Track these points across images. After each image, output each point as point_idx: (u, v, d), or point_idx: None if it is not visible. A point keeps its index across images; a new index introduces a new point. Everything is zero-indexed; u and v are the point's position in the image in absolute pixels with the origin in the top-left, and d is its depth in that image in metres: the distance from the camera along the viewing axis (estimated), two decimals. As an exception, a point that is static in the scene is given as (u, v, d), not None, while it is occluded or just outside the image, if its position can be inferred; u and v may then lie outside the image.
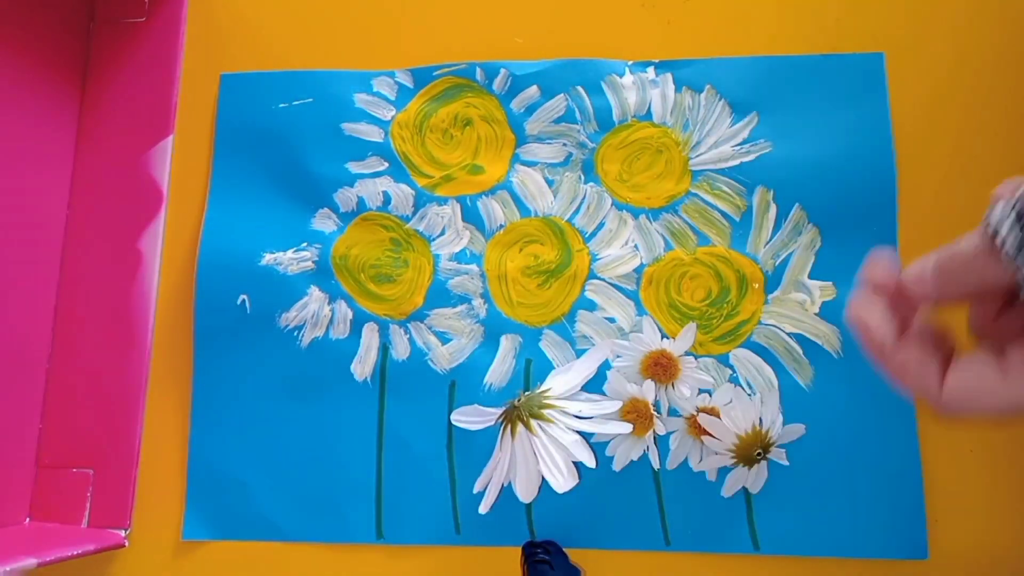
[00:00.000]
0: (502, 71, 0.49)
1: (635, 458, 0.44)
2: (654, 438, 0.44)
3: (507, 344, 0.46)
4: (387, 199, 0.48)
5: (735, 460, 0.43)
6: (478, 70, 0.49)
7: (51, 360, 0.48)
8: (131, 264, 0.49)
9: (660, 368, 0.44)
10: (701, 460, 0.44)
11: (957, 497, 0.43)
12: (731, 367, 0.45)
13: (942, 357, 0.31)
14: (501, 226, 0.48)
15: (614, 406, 0.42)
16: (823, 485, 0.43)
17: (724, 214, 0.47)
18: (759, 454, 0.43)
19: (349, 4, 0.51)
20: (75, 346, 0.48)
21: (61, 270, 0.49)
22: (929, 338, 0.31)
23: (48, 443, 0.47)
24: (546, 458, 0.39)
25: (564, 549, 0.43)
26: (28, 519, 0.47)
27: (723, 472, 0.44)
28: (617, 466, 0.44)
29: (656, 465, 0.44)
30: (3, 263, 0.46)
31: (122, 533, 0.46)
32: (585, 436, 0.40)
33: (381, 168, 0.48)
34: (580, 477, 0.39)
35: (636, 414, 0.44)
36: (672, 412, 0.44)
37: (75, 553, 0.42)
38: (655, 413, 0.44)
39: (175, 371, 0.48)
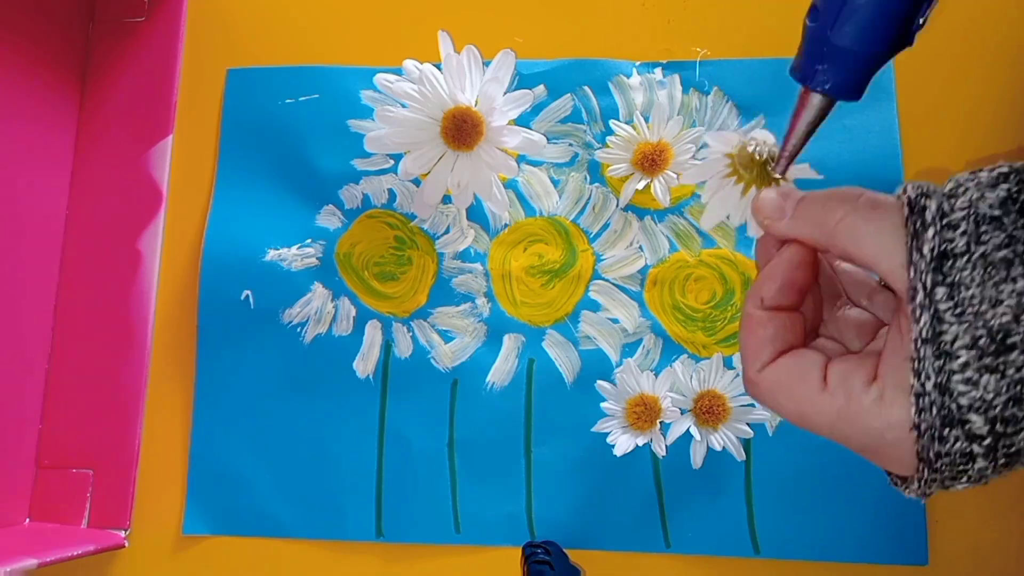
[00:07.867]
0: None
1: (639, 443, 0.44)
2: (660, 429, 0.44)
3: (510, 343, 0.46)
4: (392, 196, 0.48)
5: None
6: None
7: (51, 360, 0.48)
8: (131, 264, 0.48)
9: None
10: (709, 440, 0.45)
11: (958, 504, 0.44)
12: (734, 369, 0.45)
13: (791, 331, 0.27)
14: (506, 225, 0.47)
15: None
16: (824, 490, 0.44)
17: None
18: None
19: (352, 1, 0.51)
20: (75, 346, 0.48)
21: (61, 270, 0.49)
22: (791, 299, 0.27)
23: (48, 443, 0.47)
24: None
25: (564, 549, 0.43)
26: (28, 519, 0.46)
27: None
28: (618, 451, 0.44)
29: (661, 453, 0.44)
30: (3, 263, 0.45)
31: (122, 534, 0.46)
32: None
33: (387, 166, 0.48)
34: None
35: (644, 406, 0.44)
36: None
37: (75, 553, 0.42)
38: (663, 408, 0.44)
39: (175, 371, 0.48)
